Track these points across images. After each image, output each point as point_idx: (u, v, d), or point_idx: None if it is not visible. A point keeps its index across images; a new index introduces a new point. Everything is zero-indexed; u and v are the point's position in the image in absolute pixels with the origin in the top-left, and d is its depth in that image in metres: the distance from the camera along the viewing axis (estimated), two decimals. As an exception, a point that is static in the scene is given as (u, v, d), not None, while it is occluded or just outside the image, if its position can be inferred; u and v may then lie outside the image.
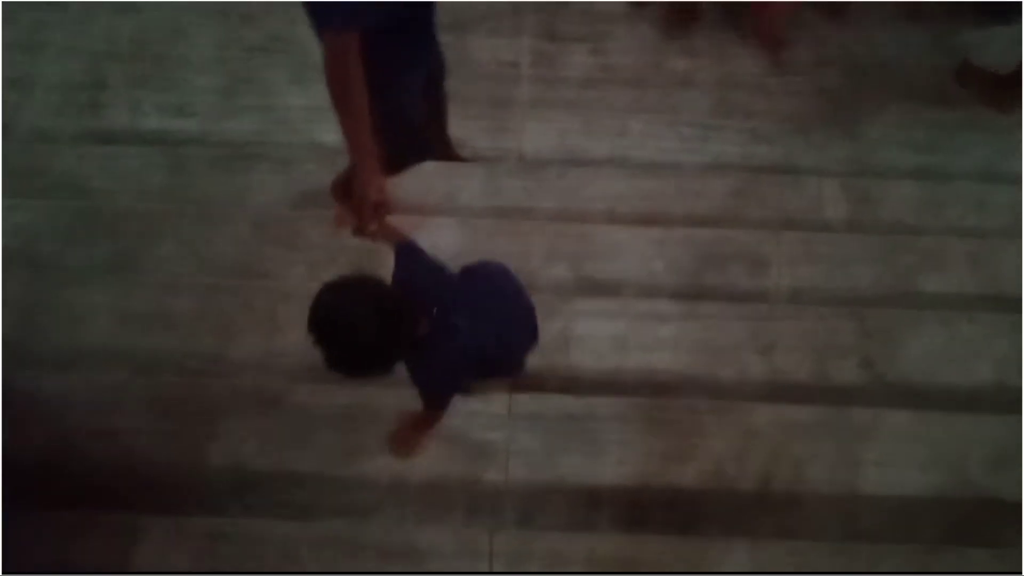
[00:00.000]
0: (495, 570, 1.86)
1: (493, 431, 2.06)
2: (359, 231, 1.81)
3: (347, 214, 1.92)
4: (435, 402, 1.78)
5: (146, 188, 2.66)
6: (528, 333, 1.86)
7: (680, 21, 3.27)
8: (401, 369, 1.57)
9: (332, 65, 1.67)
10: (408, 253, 1.69)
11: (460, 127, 2.88)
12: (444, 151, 2.68)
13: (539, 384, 2.13)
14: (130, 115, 2.90)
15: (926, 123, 3.00)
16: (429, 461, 2.02)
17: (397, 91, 1.96)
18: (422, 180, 2.61)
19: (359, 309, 1.40)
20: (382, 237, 1.78)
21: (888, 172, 2.88)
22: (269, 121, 2.90)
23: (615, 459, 2.04)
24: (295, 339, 2.23)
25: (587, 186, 2.78)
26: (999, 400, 2.17)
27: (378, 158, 1.82)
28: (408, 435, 1.99)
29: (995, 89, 3.00)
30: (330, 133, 1.91)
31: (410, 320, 1.48)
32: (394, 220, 1.86)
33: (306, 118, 2.86)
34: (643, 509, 2.01)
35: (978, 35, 3.05)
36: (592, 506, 2.01)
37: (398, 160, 2.10)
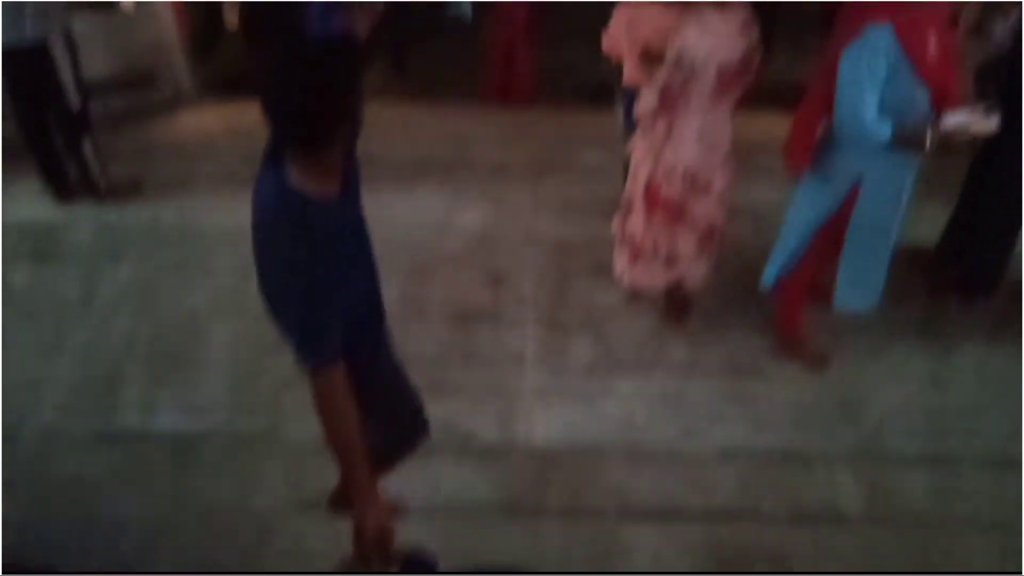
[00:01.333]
0: None
1: None
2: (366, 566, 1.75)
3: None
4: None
5: (151, 492, 2.62)
6: None
7: (677, 309, 3.43)
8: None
9: (323, 396, 1.70)
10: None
11: (467, 418, 2.93)
12: None
13: None
14: (142, 415, 2.92)
15: (928, 407, 3.05)
16: None
17: (378, 378, 1.99)
18: (428, 475, 2.59)
19: None
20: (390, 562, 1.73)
21: (896, 458, 2.87)
22: (278, 417, 2.92)
23: None
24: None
25: (597, 478, 2.76)
26: None
27: (373, 473, 1.81)
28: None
29: None
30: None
31: None
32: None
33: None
34: None
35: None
36: None
37: (395, 449, 2.13)
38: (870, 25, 2.41)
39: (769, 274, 3.06)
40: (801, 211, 2.90)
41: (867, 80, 2.43)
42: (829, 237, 2.85)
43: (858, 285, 2.87)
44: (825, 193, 2.79)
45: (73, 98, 3.84)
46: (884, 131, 2.47)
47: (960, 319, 3.47)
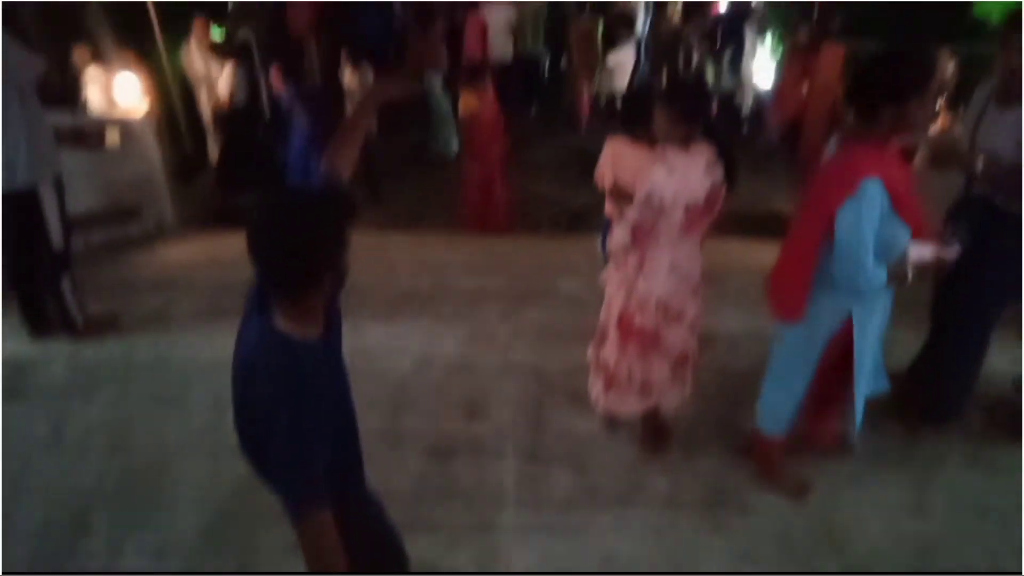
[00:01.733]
0: None
1: None
2: None
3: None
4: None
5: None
6: None
7: (655, 437, 3.42)
8: None
9: (311, 541, 1.65)
10: None
11: (445, 555, 2.85)
12: None
13: None
14: (108, 558, 2.82)
15: (911, 534, 3.02)
16: None
17: (357, 517, 1.95)
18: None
19: None
20: None
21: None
22: (252, 558, 2.83)
23: None
24: None
25: (580, 618, 2.68)
26: None
27: None
28: None
29: None
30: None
31: None
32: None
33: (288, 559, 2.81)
34: None
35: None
36: None
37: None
38: (866, 180, 2.43)
39: (765, 420, 3.12)
40: (794, 358, 2.93)
41: (867, 233, 2.47)
42: (822, 377, 2.90)
43: (858, 420, 2.89)
44: (816, 335, 2.82)
45: (56, 238, 3.86)
46: (881, 275, 2.53)
47: (936, 443, 3.48)
